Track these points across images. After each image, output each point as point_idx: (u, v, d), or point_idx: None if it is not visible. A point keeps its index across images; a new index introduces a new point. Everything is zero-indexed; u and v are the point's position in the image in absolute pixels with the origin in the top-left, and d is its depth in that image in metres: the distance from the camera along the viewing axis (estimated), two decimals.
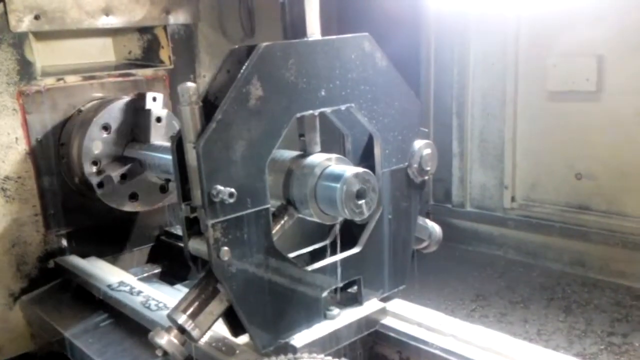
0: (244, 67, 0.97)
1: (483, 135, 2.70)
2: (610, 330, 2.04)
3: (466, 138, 2.74)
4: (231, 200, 0.93)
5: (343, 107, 1.16)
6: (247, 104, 0.98)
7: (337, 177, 1.08)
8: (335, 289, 1.31)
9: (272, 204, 1.11)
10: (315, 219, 1.13)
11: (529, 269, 2.57)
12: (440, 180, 2.89)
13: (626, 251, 2.26)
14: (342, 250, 1.27)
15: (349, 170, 1.08)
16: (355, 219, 1.09)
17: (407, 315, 1.30)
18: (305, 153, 1.18)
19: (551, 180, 2.52)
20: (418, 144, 1.34)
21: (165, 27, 2.01)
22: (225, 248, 0.96)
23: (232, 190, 0.93)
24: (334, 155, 1.17)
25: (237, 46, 1.07)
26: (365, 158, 1.32)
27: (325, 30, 1.16)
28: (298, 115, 1.06)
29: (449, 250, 2.78)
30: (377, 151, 1.27)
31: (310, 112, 1.09)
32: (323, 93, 1.11)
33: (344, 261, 1.23)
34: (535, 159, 2.56)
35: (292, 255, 1.28)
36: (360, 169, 1.10)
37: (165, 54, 2.04)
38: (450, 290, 2.49)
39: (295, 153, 1.19)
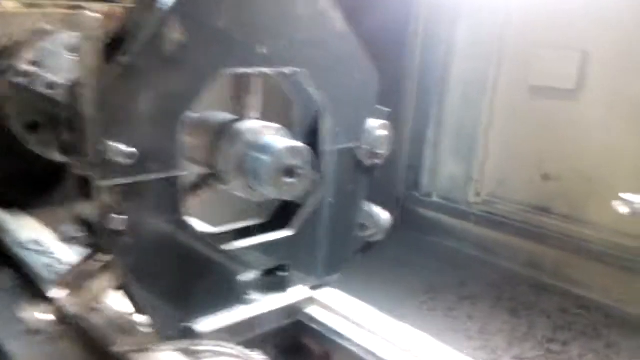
0: (161, 7, 0.80)
1: (459, 124, 2.57)
2: (551, 337, 1.97)
3: (443, 126, 2.61)
4: (129, 162, 0.77)
5: (287, 71, 1.00)
6: (162, 49, 0.81)
7: (267, 149, 0.92)
8: (265, 272, 1.18)
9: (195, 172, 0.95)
10: (241, 194, 0.98)
11: (484, 266, 2.50)
12: (412, 168, 2.78)
13: (580, 258, 2.19)
14: (274, 231, 1.12)
15: (283, 142, 0.93)
16: (282, 198, 0.94)
17: (334, 306, 1.18)
18: (238, 118, 1.02)
19: (518, 179, 2.41)
20: (372, 123, 1.19)
21: None
22: (119, 216, 0.81)
23: (133, 150, 0.77)
24: (273, 125, 1.01)
25: None
26: (313, 133, 1.17)
27: None
28: (227, 71, 0.89)
29: (411, 240, 2.72)
30: (323, 126, 1.11)
31: (244, 70, 0.93)
32: (264, 51, 0.94)
33: (271, 243, 1.08)
34: (507, 155, 2.44)
35: (217, 230, 1.14)
36: (297, 143, 0.94)
37: None
38: (404, 281, 2.41)
39: (229, 116, 1.03)
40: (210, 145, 0.98)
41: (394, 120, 2.84)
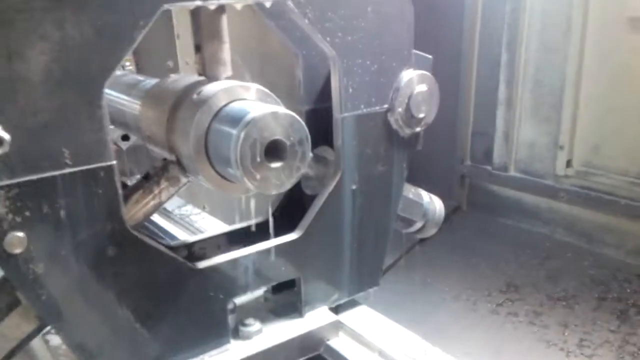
0: None
1: (538, 76, 2.25)
2: None
3: (517, 79, 2.30)
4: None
5: (268, 3, 0.75)
6: None
7: (237, 119, 0.68)
8: (272, 290, 0.96)
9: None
10: (210, 186, 0.75)
11: (580, 256, 2.18)
12: (480, 134, 2.49)
13: None
14: (280, 233, 0.89)
15: (260, 109, 0.69)
16: (266, 191, 0.70)
17: (367, 335, 0.94)
18: (206, 79, 0.78)
19: (620, 142, 2.06)
20: (408, 75, 0.93)
21: None
22: (17, 234, 0.60)
23: (3, 134, 0.55)
24: (253, 85, 0.77)
25: None
26: (327, 96, 0.92)
27: None
28: (168, 6, 0.66)
29: (483, 223, 2.49)
30: (335, 83, 0.86)
31: (200, 3, 0.69)
32: None
33: (270, 253, 0.86)
34: (603, 112, 2.09)
35: (196, 238, 0.92)
36: (281, 110, 0.70)
37: None
38: (475, 276, 2.17)
39: (194, 78, 0.80)
40: (167, 120, 0.76)
41: (453, 74, 2.50)
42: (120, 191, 0.68)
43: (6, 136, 0.56)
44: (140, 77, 0.96)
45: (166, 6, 0.65)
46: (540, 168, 2.31)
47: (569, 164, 2.21)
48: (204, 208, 1.46)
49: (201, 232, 1.14)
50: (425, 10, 2.17)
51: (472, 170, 2.56)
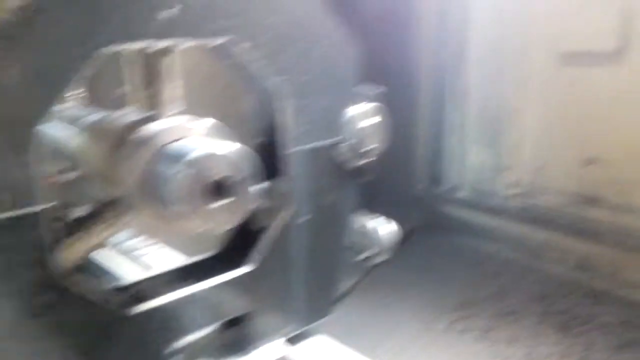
0: None
1: (484, 104, 2.29)
2: (615, 359, 1.66)
3: (464, 107, 2.33)
4: None
5: (216, 41, 0.72)
6: None
7: (178, 158, 0.65)
8: (222, 326, 0.92)
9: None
10: (156, 225, 0.71)
11: (527, 272, 2.20)
12: (433, 158, 2.52)
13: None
14: (229, 267, 0.86)
15: (204, 147, 0.66)
16: (213, 229, 0.67)
17: None
18: (153, 116, 0.75)
19: (560, 163, 2.12)
20: (355, 110, 0.92)
21: None
22: None
23: None
24: (203, 121, 0.74)
25: None
26: (276, 129, 0.90)
27: None
28: (112, 48, 0.62)
29: (437, 243, 2.47)
30: (284, 120, 0.84)
31: (142, 45, 0.66)
32: (166, 15, 0.67)
33: (219, 289, 0.82)
34: (544, 137, 2.14)
35: (138, 279, 0.88)
36: (225, 147, 0.67)
37: None
38: (431, 296, 2.16)
39: (140, 114, 0.77)
40: (109, 158, 0.72)
41: (405, 102, 2.52)
42: (51, 236, 0.63)
43: None
44: (84, 110, 0.91)
45: (99, 49, 0.61)
46: (488, 189, 2.34)
47: (513, 184, 2.25)
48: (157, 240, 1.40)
49: (154, 265, 1.08)
50: (381, 44, 2.21)
51: (426, 193, 2.56)
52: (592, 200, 2.05)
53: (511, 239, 2.29)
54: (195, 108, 0.84)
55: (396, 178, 2.54)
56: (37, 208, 0.59)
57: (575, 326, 1.86)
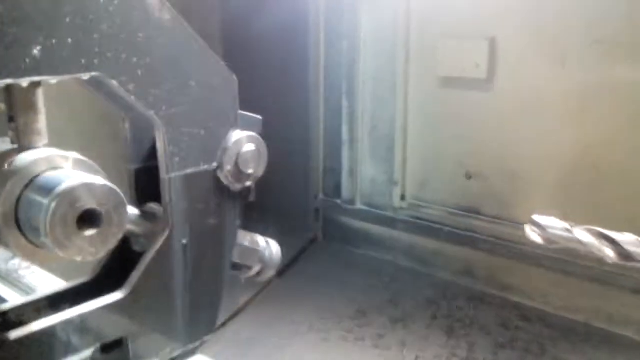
0: None
1: (374, 122, 2.41)
2: (493, 359, 1.82)
3: (357, 123, 2.44)
4: None
5: (85, 76, 0.74)
6: None
7: (49, 189, 0.66)
8: (100, 350, 0.92)
9: None
10: (22, 256, 0.71)
11: (417, 279, 2.34)
12: (331, 171, 2.60)
13: (514, 262, 2.07)
14: (103, 293, 0.86)
15: (73, 179, 0.67)
16: (83, 258, 0.69)
17: None
18: (20, 147, 0.75)
19: (441, 179, 2.28)
20: (235, 136, 0.97)
21: None
22: None
23: None
24: (70, 154, 0.75)
25: None
26: (154, 154, 0.92)
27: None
28: None
29: (336, 253, 2.57)
30: (159, 146, 0.87)
31: (9, 81, 0.66)
32: (36, 52, 0.68)
33: (94, 315, 0.83)
34: (426, 153, 2.31)
35: (11, 305, 0.86)
36: (95, 180, 0.69)
37: None
38: (328, 306, 2.21)
39: (6, 146, 0.76)
40: None
41: (303, 120, 2.62)
42: None
43: None
44: None
45: None
46: (381, 201, 2.45)
47: (402, 197, 2.37)
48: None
49: (31, 289, 1.05)
50: (278, 69, 2.27)
51: (324, 204, 2.62)
52: (471, 212, 2.22)
53: (403, 248, 2.41)
54: (71, 137, 0.85)
55: (297, 190, 2.61)
56: None
57: (460, 328, 1.99)
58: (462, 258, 2.24)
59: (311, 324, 2.08)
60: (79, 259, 0.68)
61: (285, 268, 2.37)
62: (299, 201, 2.64)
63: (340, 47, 2.38)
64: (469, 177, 2.20)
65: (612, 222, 1.04)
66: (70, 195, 0.66)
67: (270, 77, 2.19)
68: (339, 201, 2.58)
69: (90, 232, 0.68)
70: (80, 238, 0.67)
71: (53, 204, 0.64)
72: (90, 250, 0.68)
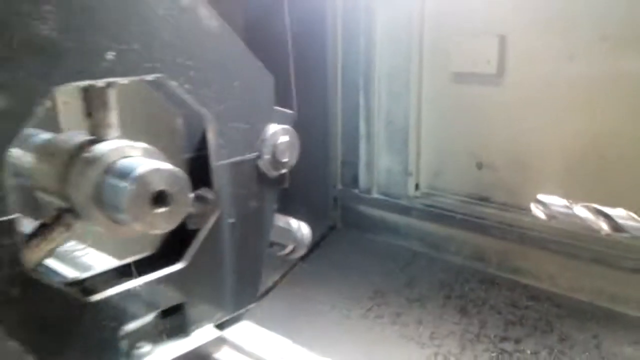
0: None
1: (389, 117, 2.50)
2: (503, 335, 1.92)
3: (373, 119, 2.53)
4: None
5: (149, 77, 0.86)
6: None
7: (126, 174, 0.78)
8: (161, 314, 1.04)
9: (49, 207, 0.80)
10: (104, 231, 0.84)
11: (431, 263, 2.44)
12: (348, 163, 2.69)
13: (523, 247, 2.16)
14: (167, 264, 0.99)
15: (146, 165, 0.79)
16: (155, 231, 0.81)
17: (247, 347, 1.06)
18: (96, 139, 0.87)
19: (454, 169, 2.38)
20: (272, 129, 1.08)
21: None
22: None
23: None
24: (139, 144, 0.87)
25: None
26: (203, 145, 1.04)
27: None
28: (64, 86, 0.75)
29: (354, 239, 2.68)
30: (210, 138, 0.99)
31: (87, 82, 0.78)
32: (110, 57, 0.80)
33: (159, 282, 0.95)
34: (439, 145, 2.41)
35: (89, 274, 0.99)
36: (164, 165, 0.81)
37: None
38: (349, 287, 2.32)
39: (83, 137, 0.88)
40: (62, 174, 0.83)
41: (322, 115, 2.73)
42: (21, 239, 0.74)
43: None
44: (30, 131, 1.01)
45: (51, 88, 0.74)
46: (396, 191, 2.55)
47: (417, 187, 2.48)
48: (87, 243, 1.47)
49: (87, 267, 1.18)
50: (298, 67, 2.38)
51: (343, 194, 2.73)
52: (482, 200, 2.32)
53: (418, 235, 2.51)
54: (134, 131, 0.97)
55: (317, 181, 2.72)
56: (11, 217, 0.70)
57: (472, 308, 2.09)
58: (474, 243, 2.34)
59: (334, 304, 2.20)
60: (152, 232, 0.80)
61: (308, 253, 2.48)
62: (319, 191, 2.75)
63: (357, 46, 2.47)
64: (479, 167, 2.30)
65: (618, 206, 1.12)
66: (144, 179, 0.77)
67: (288, 76, 2.30)
68: (356, 191, 2.68)
69: (161, 210, 0.79)
70: (153, 215, 0.79)
71: (133, 186, 0.76)
72: (162, 225, 0.80)
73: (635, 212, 0.82)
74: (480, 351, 1.85)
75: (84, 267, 1.38)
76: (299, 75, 2.51)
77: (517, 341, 1.88)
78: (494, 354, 1.83)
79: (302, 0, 2.45)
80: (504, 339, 1.90)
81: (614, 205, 0.85)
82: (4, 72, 0.68)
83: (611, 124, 1.93)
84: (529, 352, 1.82)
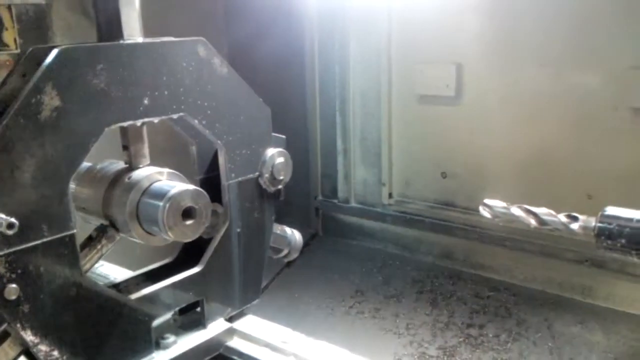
0: (35, 74, 0.80)
1: (363, 133, 2.68)
2: (469, 322, 2.11)
3: (349, 135, 2.71)
4: (10, 232, 0.76)
5: (175, 116, 1.03)
6: (38, 116, 0.81)
7: (162, 194, 0.94)
8: (179, 312, 1.19)
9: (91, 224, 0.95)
10: (139, 241, 0.99)
11: (405, 263, 2.61)
12: (327, 176, 2.86)
13: (484, 245, 2.36)
14: (185, 268, 1.14)
15: (177, 186, 0.96)
16: (183, 240, 0.97)
17: (254, 335, 1.22)
18: (132, 166, 1.03)
19: (422, 179, 2.57)
20: (270, 152, 1.25)
21: (9, 7, 1.75)
22: (12, 285, 0.80)
23: (12, 220, 0.76)
24: (165, 170, 1.03)
25: (39, 45, 0.89)
26: (214, 167, 1.20)
27: (209, 27, 1.02)
28: (112, 127, 0.91)
29: (335, 245, 2.84)
30: (221, 163, 1.15)
31: (128, 123, 0.94)
32: (146, 102, 0.96)
33: (181, 283, 1.10)
34: (408, 158, 2.60)
35: (124, 278, 1.14)
36: (190, 187, 0.97)
37: (10, 36, 1.77)
38: (332, 287, 2.48)
39: (120, 165, 1.04)
40: (105, 196, 0.99)
41: (302, 132, 2.91)
42: (79, 250, 0.90)
43: (15, 221, 0.76)
44: None
45: (103, 128, 0.90)
46: (372, 199, 2.72)
47: (390, 195, 2.66)
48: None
49: (105, 277, 1.31)
50: (278, 91, 2.54)
51: (323, 204, 2.88)
52: (448, 205, 2.51)
53: (392, 238, 2.69)
54: (159, 159, 1.13)
55: (300, 193, 2.88)
56: (72, 232, 0.85)
57: (441, 300, 2.27)
58: (442, 244, 2.53)
59: (319, 304, 2.35)
60: (181, 240, 0.96)
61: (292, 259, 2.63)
62: (302, 202, 2.91)
63: (333, 72, 2.66)
64: (444, 176, 2.50)
65: (561, 207, 1.29)
66: (177, 198, 0.93)
67: (271, 99, 2.47)
68: (336, 201, 2.84)
69: (189, 222, 0.95)
70: (183, 226, 0.95)
71: (167, 204, 0.92)
72: (190, 234, 0.96)
73: (572, 210, 1.01)
74: (450, 337, 2.03)
75: (102, 277, 1.51)
76: (280, 98, 2.68)
77: (481, 327, 2.07)
78: (461, 339, 2.02)
79: (282, 31, 2.64)
80: (469, 326, 2.09)
81: (556, 205, 1.03)
82: (67, 117, 0.84)
83: (553, 136, 2.16)
84: (491, 335, 2.02)
